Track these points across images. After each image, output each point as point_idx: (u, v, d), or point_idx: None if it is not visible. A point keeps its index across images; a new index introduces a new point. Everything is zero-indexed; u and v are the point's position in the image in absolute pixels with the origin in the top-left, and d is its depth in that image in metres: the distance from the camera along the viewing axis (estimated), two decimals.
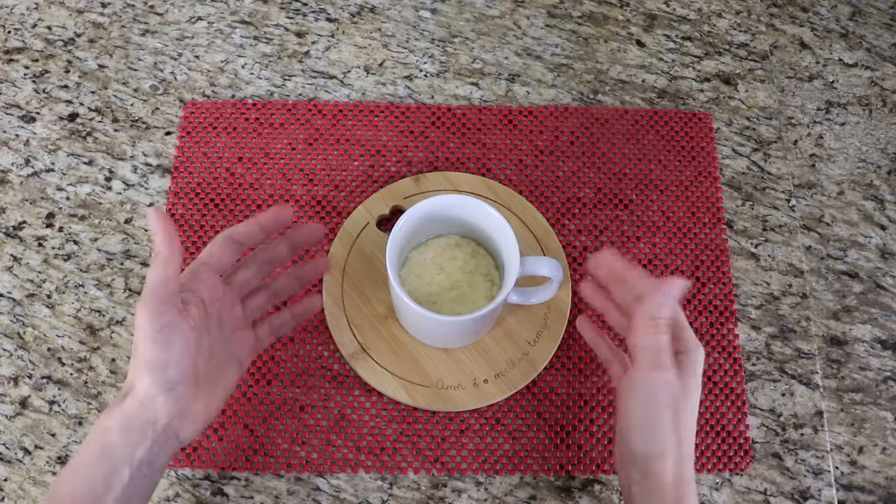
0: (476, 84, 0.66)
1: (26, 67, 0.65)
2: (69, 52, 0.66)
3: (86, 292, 0.58)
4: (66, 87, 0.65)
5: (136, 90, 0.65)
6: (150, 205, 0.61)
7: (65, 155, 0.62)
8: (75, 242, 0.60)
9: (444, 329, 0.53)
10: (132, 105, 0.64)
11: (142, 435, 0.42)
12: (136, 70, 0.65)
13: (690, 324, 0.58)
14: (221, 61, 0.66)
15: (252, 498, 0.53)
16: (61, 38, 0.67)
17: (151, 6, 0.68)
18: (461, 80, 0.66)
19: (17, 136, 0.63)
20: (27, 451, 0.54)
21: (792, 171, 0.65)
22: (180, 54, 0.66)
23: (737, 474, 0.55)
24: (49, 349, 0.57)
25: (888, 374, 0.59)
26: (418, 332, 0.55)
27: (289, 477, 0.54)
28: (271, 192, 0.61)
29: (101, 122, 0.64)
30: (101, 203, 0.61)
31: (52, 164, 0.62)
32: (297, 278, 0.52)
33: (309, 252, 0.59)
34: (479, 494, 0.54)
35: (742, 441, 0.56)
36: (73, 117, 0.64)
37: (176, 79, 0.65)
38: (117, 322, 0.57)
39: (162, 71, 0.65)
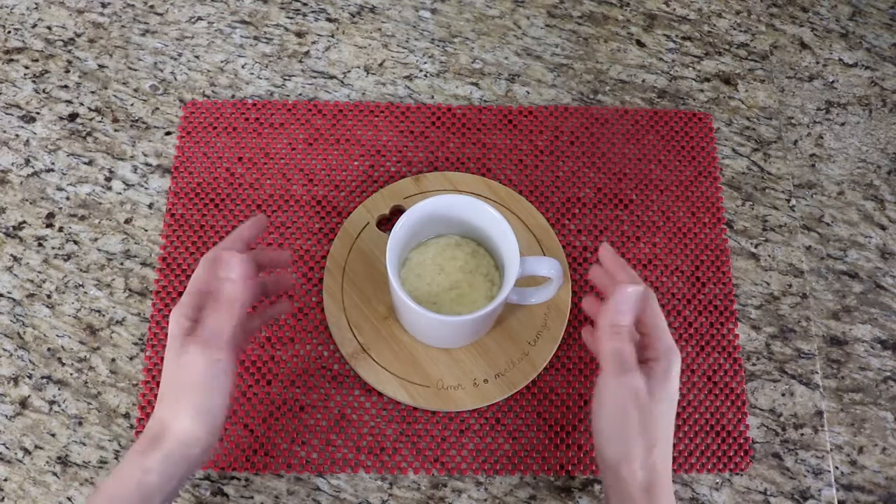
0: (476, 84, 0.66)
1: (26, 67, 0.65)
2: (69, 52, 0.66)
3: (86, 292, 0.58)
4: (66, 87, 0.65)
5: (136, 90, 0.65)
6: (150, 205, 0.61)
7: (65, 155, 0.62)
8: (75, 242, 0.60)
9: (444, 329, 0.53)
10: (132, 105, 0.64)
11: (177, 469, 0.44)
12: (136, 70, 0.65)
13: (689, 325, 0.58)
14: (221, 61, 0.66)
15: (252, 498, 0.53)
16: (61, 38, 0.67)
17: (151, 6, 0.68)
18: (461, 80, 0.66)
19: (17, 136, 0.63)
20: (27, 451, 0.54)
21: (792, 171, 0.65)
22: (180, 54, 0.66)
23: (737, 474, 0.55)
24: (49, 349, 0.57)
25: (888, 374, 0.59)
26: (418, 332, 0.55)
27: (289, 477, 0.54)
28: (271, 192, 0.61)
29: (101, 122, 0.64)
30: (101, 203, 0.61)
31: (52, 164, 0.62)
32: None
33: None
34: (479, 494, 0.54)
35: (742, 441, 0.56)
36: (73, 117, 0.64)
37: (176, 79, 0.65)
38: (117, 322, 0.57)
39: (162, 71, 0.65)
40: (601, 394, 0.47)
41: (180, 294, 0.58)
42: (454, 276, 0.54)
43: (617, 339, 0.46)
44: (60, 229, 0.60)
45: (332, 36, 0.67)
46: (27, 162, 0.62)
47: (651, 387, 0.45)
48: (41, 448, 0.54)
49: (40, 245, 0.60)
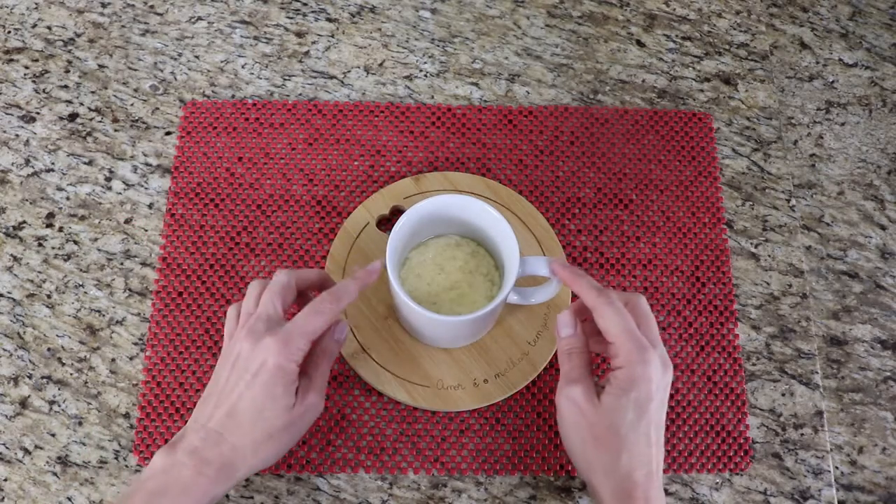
0: (476, 84, 0.66)
1: (26, 67, 0.65)
2: (69, 52, 0.66)
3: (86, 292, 0.58)
4: (66, 87, 0.65)
5: (136, 90, 0.65)
6: (150, 205, 0.61)
7: (65, 155, 0.62)
8: (75, 242, 0.60)
9: (444, 329, 0.53)
10: (132, 105, 0.64)
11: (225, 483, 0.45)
12: (136, 70, 0.65)
13: (689, 325, 0.58)
14: (221, 61, 0.66)
15: (252, 498, 0.53)
16: (61, 38, 0.67)
17: (151, 6, 0.68)
18: (461, 80, 0.66)
19: (17, 136, 0.63)
20: (27, 451, 0.54)
21: (792, 171, 0.65)
22: (180, 54, 0.66)
23: (737, 474, 0.55)
24: (49, 349, 0.57)
25: (888, 374, 0.59)
26: (418, 332, 0.55)
27: (289, 477, 0.54)
28: (271, 192, 0.61)
29: (101, 122, 0.64)
30: (101, 203, 0.61)
31: (52, 164, 0.62)
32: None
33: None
34: (479, 494, 0.54)
35: (742, 441, 0.56)
36: (73, 117, 0.64)
37: (176, 79, 0.65)
38: (117, 322, 0.57)
39: (162, 71, 0.65)
40: (557, 407, 0.48)
41: (180, 294, 0.58)
42: (454, 276, 0.54)
43: (560, 354, 0.48)
44: (60, 229, 0.60)
45: (332, 36, 0.67)
46: (27, 162, 0.62)
47: (609, 396, 0.45)
48: (41, 448, 0.54)
49: (40, 245, 0.60)
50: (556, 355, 0.57)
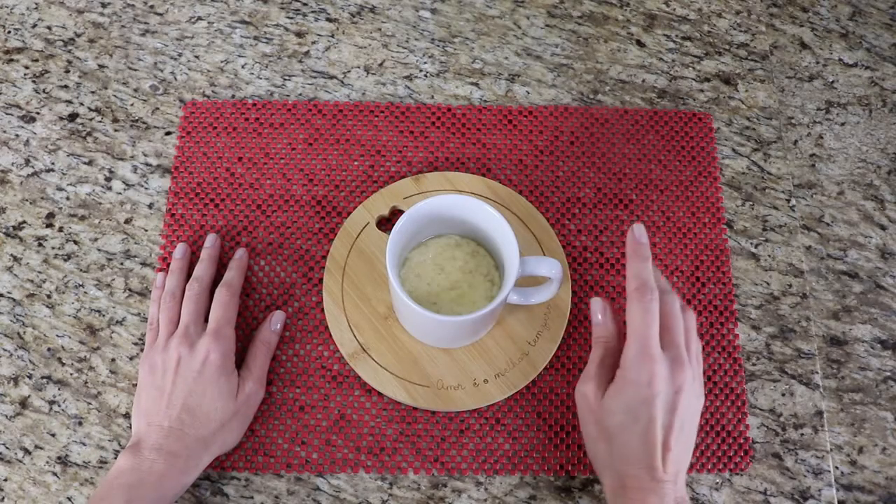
0: (476, 84, 0.66)
1: (26, 67, 0.65)
2: (69, 52, 0.66)
3: (86, 292, 0.58)
4: (66, 87, 0.65)
5: (136, 90, 0.65)
6: (150, 205, 0.61)
7: (65, 155, 0.62)
8: (75, 242, 0.60)
9: (444, 329, 0.53)
10: (132, 105, 0.64)
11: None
12: (136, 70, 0.65)
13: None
14: (221, 61, 0.66)
15: (252, 498, 0.53)
16: (61, 38, 0.67)
17: (151, 6, 0.68)
18: (461, 80, 0.66)
19: (17, 136, 0.63)
20: (27, 451, 0.54)
21: (792, 171, 0.65)
22: (180, 54, 0.66)
23: (737, 474, 0.55)
24: (49, 349, 0.57)
25: (888, 374, 0.59)
26: (418, 332, 0.55)
27: (289, 477, 0.54)
28: (271, 192, 0.61)
29: (101, 122, 0.64)
30: (101, 203, 0.61)
31: (52, 164, 0.62)
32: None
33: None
34: (479, 494, 0.54)
35: (742, 441, 0.56)
36: (73, 117, 0.64)
37: (176, 79, 0.65)
38: (117, 322, 0.57)
39: (162, 71, 0.65)
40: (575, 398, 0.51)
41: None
42: (454, 276, 0.54)
43: (592, 342, 0.51)
44: (60, 229, 0.60)
45: (332, 36, 0.67)
46: (27, 162, 0.62)
47: (607, 396, 0.47)
48: (41, 448, 0.54)
49: (40, 245, 0.60)
50: (555, 355, 0.57)
